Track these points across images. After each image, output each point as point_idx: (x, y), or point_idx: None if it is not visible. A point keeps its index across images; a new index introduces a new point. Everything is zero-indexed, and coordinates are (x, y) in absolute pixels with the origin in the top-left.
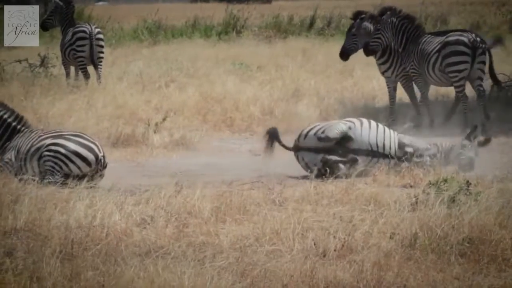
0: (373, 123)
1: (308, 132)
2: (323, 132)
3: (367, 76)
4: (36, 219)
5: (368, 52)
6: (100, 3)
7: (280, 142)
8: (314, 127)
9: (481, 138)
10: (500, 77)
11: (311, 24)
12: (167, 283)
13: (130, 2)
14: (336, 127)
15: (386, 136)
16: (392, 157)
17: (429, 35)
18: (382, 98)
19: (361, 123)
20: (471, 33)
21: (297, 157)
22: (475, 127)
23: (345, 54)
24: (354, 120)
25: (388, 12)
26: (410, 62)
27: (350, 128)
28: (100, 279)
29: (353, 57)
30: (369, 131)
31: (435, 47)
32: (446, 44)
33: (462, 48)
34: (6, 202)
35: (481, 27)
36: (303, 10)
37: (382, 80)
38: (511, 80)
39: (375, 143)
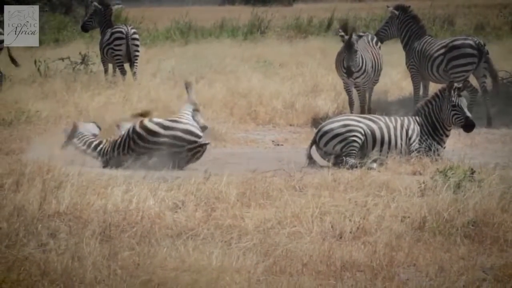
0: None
1: (326, 129)
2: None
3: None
4: (77, 204)
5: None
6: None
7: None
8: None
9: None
10: (502, 74)
11: (329, 25)
12: (197, 262)
13: (156, 5)
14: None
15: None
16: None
17: (430, 37)
18: (393, 93)
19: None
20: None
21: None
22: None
23: (353, 73)
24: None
25: (398, 9)
26: (410, 59)
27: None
28: (136, 259)
29: None
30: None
31: (438, 50)
32: (452, 48)
33: (469, 50)
34: (50, 188)
35: (485, 28)
36: (321, 12)
37: (393, 77)
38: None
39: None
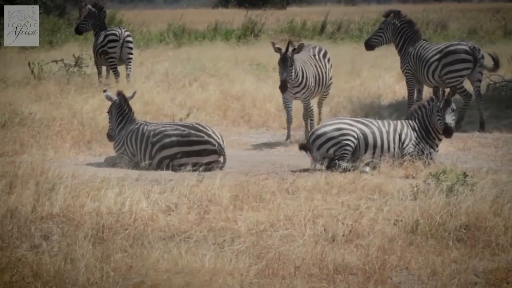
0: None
1: (319, 133)
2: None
3: (373, 76)
4: (71, 206)
5: (367, 47)
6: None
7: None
8: (325, 126)
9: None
10: (495, 78)
11: (323, 28)
12: (189, 265)
13: (150, 7)
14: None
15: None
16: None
17: (425, 41)
18: (386, 97)
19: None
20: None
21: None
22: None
23: (287, 88)
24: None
25: (392, 14)
26: (405, 63)
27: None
28: (128, 261)
29: (360, 59)
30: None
31: (434, 55)
32: (448, 53)
33: (464, 56)
34: (43, 190)
35: (478, 32)
36: (315, 15)
37: (387, 80)
38: (505, 80)
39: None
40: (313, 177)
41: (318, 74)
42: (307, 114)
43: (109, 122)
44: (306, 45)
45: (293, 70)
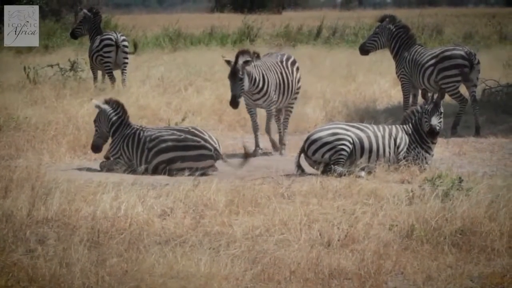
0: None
1: (315, 138)
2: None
3: (368, 81)
4: (66, 210)
5: (362, 52)
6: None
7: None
8: (321, 131)
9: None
10: (490, 83)
11: (318, 33)
12: (185, 269)
13: (145, 12)
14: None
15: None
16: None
17: (420, 46)
18: (382, 101)
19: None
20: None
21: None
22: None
23: (238, 103)
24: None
25: (387, 19)
26: (401, 68)
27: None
28: (124, 265)
29: (355, 64)
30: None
31: (429, 60)
32: (443, 58)
33: (460, 61)
34: (39, 194)
35: (473, 37)
36: (311, 20)
37: (382, 85)
38: (500, 85)
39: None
40: (309, 181)
41: (283, 82)
42: (270, 124)
43: (96, 131)
44: (274, 52)
45: (244, 84)
